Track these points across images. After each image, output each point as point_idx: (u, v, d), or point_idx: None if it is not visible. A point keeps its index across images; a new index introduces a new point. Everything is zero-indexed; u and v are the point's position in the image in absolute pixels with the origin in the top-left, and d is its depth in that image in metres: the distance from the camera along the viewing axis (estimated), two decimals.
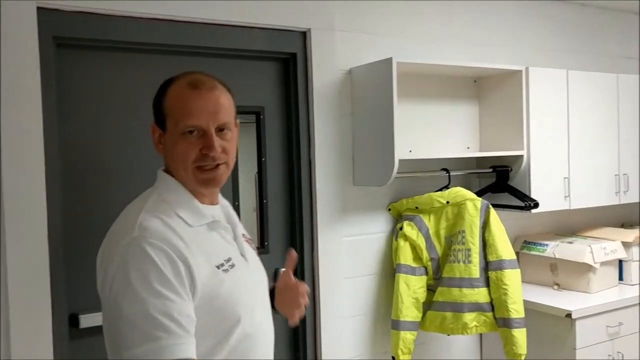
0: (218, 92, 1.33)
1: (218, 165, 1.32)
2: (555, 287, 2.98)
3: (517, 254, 3.14)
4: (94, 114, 2.16)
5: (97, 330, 2.06)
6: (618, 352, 2.76)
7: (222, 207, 1.45)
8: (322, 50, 2.54)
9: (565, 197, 2.93)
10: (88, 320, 2.07)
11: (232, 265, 1.31)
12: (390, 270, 2.72)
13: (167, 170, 1.36)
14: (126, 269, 1.16)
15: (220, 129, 1.31)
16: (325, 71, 2.55)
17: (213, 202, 1.40)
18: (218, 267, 1.27)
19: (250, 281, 1.38)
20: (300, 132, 2.52)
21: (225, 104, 1.33)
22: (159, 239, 1.20)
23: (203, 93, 1.30)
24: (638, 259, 3.07)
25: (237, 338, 1.28)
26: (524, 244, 3.13)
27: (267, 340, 1.41)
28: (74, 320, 2.08)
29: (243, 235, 1.47)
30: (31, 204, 1.96)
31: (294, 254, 1.59)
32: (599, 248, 2.89)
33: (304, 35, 2.52)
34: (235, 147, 1.38)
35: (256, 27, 2.40)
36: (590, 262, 2.84)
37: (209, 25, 2.30)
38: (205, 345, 1.24)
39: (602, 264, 2.90)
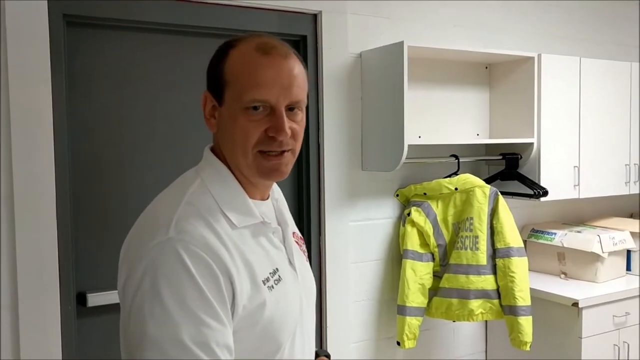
0: (292, 61, 1.06)
1: (284, 152, 1.06)
2: (563, 276, 2.97)
3: (525, 242, 3.12)
4: (104, 93, 2.15)
5: (104, 309, 2.10)
6: (624, 342, 2.76)
7: (273, 200, 1.20)
8: (332, 33, 2.51)
9: (575, 186, 2.91)
10: (96, 299, 2.09)
11: (279, 280, 1.07)
12: (397, 255, 2.71)
13: (216, 149, 1.12)
14: (155, 278, 0.93)
15: (290, 108, 1.06)
16: (336, 54, 2.53)
17: (264, 197, 1.15)
18: (264, 283, 1.03)
19: (296, 298, 1.13)
20: (310, 115, 2.50)
21: (299, 76, 1.07)
22: (200, 245, 0.96)
23: (275, 61, 1.04)
24: None
25: None
26: (531, 233, 3.11)
27: (309, 352, 1.18)
28: (81, 299, 2.10)
29: (294, 234, 1.22)
30: (40, 183, 1.96)
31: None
32: (608, 238, 2.87)
33: (315, 18, 2.50)
34: (303, 132, 1.11)
35: (267, 9, 2.38)
36: (599, 251, 2.83)
37: (220, 6, 2.28)
38: None
39: (610, 253, 2.89)
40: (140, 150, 2.20)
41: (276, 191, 1.24)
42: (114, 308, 2.12)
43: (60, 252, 2.00)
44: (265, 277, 1.04)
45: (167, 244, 0.95)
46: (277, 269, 1.08)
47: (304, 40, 2.49)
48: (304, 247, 1.27)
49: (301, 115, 1.10)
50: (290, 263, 1.14)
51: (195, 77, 2.26)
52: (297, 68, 1.07)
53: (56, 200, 1.99)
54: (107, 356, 2.11)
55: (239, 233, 1.04)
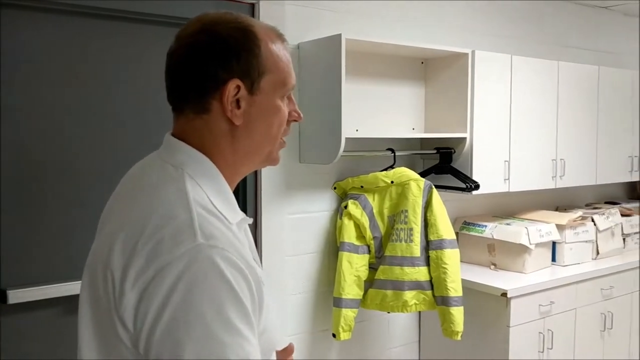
0: None
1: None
2: (493, 267, 3.07)
3: (457, 234, 3.20)
4: (38, 83, 2.04)
5: (26, 307, 2.00)
6: (548, 329, 2.88)
7: None
8: (270, 23, 2.47)
9: (505, 180, 3.00)
10: (17, 295, 1.98)
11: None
12: (333, 248, 2.72)
13: (190, 144, 1.00)
14: (192, 293, 0.81)
15: None
16: None
17: None
18: (263, 284, 0.94)
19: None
20: None
21: None
22: (232, 251, 0.86)
23: (287, 48, 1.05)
24: (570, 241, 3.19)
25: None
26: (463, 225, 3.20)
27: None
28: (1, 296, 1.99)
29: None
30: None
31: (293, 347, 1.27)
32: (535, 230, 2.99)
33: (252, 7, 2.46)
34: None
35: None
36: (526, 243, 2.94)
37: None
38: None
39: (537, 245, 3.00)
40: (73, 141, 2.09)
41: None
42: (37, 305, 2.04)
43: None
44: (262, 278, 0.95)
45: (200, 252, 0.83)
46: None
47: None
48: None
49: None
50: (254, 258, 1.06)
51: (131, 63, 2.18)
52: None
53: None
54: (29, 355, 2.01)
55: (233, 230, 0.95)
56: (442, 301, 2.57)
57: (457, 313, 2.55)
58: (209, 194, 0.94)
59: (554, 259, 3.19)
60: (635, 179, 3.80)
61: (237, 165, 1.02)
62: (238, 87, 0.97)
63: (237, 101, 0.97)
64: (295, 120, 1.06)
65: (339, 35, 2.36)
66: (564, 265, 3.16)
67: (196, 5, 2.30)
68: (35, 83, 2.04)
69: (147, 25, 2.24)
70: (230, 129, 0.99)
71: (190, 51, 0.98)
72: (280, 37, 1.03)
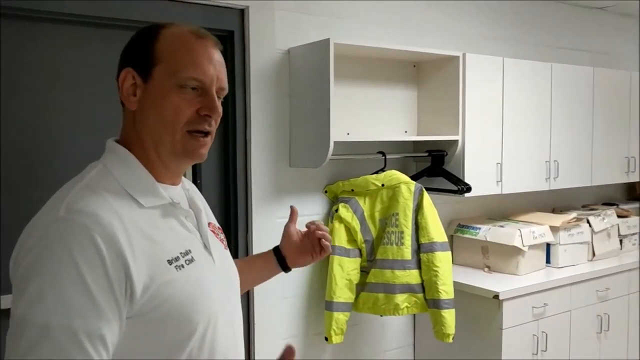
0: (219, 51, 1.12)
1: (207, 134, 1.09)
2: (486, 269, 3.07)
3: (451, 237, 3.22)
4: (37, 90, 2.09)
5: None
6: (542, 331, 2.88)
7: (184, 189, 1.19)
8: (260, 29, 2.50)
9: (498, 182, 3.00)
10: (7, 301, 2.00)
11: (190, 260, 1.05)
12: None
13: (122, 141, 1.10)
14: (36, 259, 0.91)
15: (217, 94, 1.10)
16: (264, 50, 2.51)
17: (174, 182, 1.14)
18: (170, 263, 1.00)
19: (213, 280, 1.10)
20: (237, 112, 2.48)
21: (224, 66, 1.12)
22: (91, 223, 0.93)
23: (209, 46, 1.09)
24: (564, 242, 3.18)
25: (194, 352, 1.03)
26: (457, 227, 3.20)
27: (237, 351, 1.16)
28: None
29: (210, 224, 1.21)
30: None
31: (296, 208, 1.52)
32: (528, 232, 2.99)
33: (242, 13, 2.48)
34: None
35: (193, 3, 2.34)
36: (520, 245, 2.93)
37: (148, 0, 2.23)
38: None
39: (531, 247, 3.00)
40: (68, 147, 2.13)
41: (187, 182, 1.24)
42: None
43: None
44: (173, 257, 1.02)
45: (55, 224, 0.93)
46: (189, 250, 1.06)
47: (230, 35, 2.47)
48: (221, 235, 1.26)
49: (220, 103, 1.12)
50: (205, 247, 1.13)
51: None
52: (222, 58, 1.12)
53: None
54: None
55: (146, 213, 1.03)
56: (434, 304, 2.58)
57: (449, 315, 2.56)
58: (121, 181, 1.04)
59: (548, 261, 3.19)
60: (632, 179, 3.79)
61: (150, 153, 1.08)
62: (133, 75, 1.07)
63: (135, 89, 1.07)
64: (207, 115, 1.07)
65: (327, 40, 2.37)
66: (559, 267, 3.16)
67: (186, 10, 2.32)
68: (35, 89, 2.08)
69: (132, 31, 2.25)
70: (133, 115, 1.09)
71: None
72: (197, 35, 1.09)
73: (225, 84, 1.11)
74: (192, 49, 1.07)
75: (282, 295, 2.63)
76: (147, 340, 0.98)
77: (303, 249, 1.48)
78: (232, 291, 1.19)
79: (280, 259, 1.49)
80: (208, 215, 1.23)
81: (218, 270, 1.14)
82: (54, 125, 2.12)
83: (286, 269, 1.50)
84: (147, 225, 1.01)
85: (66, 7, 2.07)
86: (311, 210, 2.71)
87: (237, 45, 2.47)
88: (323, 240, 1.46)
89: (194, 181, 2.46)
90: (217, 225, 1.27)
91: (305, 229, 1.49)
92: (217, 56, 1.10)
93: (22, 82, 2.06)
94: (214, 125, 1.10)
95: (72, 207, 0.95)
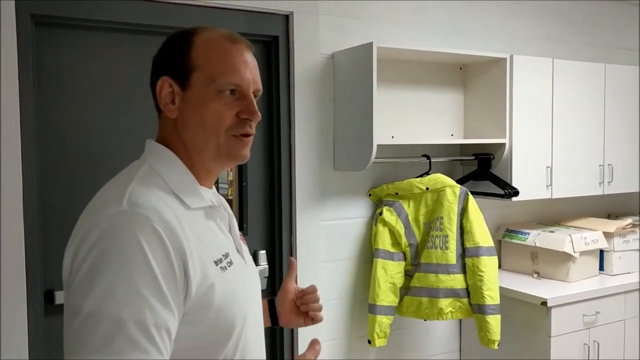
0: (252, 53, 1.13)
1: (249, 136, 1.10)
2: (535, 275, 3.00)
3: (499, 242, 3.16)
4: (72, 93, 2.17)
5: None
6: (594, 341, 2.78)
7: (215, 194, 1.20)
8: (304, 34, 2.53)
9: (547, 186, 2.93)
10: (61, 297, 2.10)
11: (230, 263, 1.07)
12: (368, 255, 2.73)
13: (162, 142, 1.12)
14: (104, 252, 0.91)
15: (254, 96, 1.11)
16: (308, 55, 2.55)
17: (210, 186, 1.16)
18: (216, 264, 1.03)
19: (246, 283, 1.14)
20: (281, 116, 2.52)
21: (258, 68, 1.13)
22: (155, 219, 0.94)
23: (244, 49, 1.10)
24: (619, 249, 3.07)
25: (229, 352, 1.05)
26: (506, 232, 3.14)
27: (262, 351, 1.19)
28: (49, 297, 2.11)
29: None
30: (7, 181, 1.98)
31: (294, 261, 1.47)
32: (580, 238, 2.90)
33: (286, 19, 2.52)
34: None
35: (238, 9, 2.40)
36: (570, 251, 2.85)
37: (191, 7, 2.30)
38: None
39: (582, 253, 2.91)
40: (107, 148, 2.21)
41: (215, 190, 1.24)
42: None
43: (27, 250, 2.02)
44: (217, 258, 1.04)
45: (120, 217, 0.93)
46: (228, 253, 1.09)
47: (275, 40, 2.51)
48: (244, 241, 1.28)
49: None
50: (238, 251, 1.16)
51: None
52: (255, 61, 1.13)
53: (23, 198, 2.00)
54: None
55: (192, 214, 1.04)
56: (479, 309, 2.54)
57: (494, 321, 2.51)
58: (168, 182, 1.05)
59: (601, 268, 3.08)
60: None
61: (194, 157, 1.10)
62: (170, 84, 1.08)
63: (174, 97, 1.08)
64: (247, 119, 1.08)
65: (370, 44, 2.38)
66: (613, 275, 3.05)
67: (231, 17, 2.38)
68: (71, 93, 2.17)
69: None
70: (173, 122, 1.10)
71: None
72: (230, 39, 1.10)
73: (260, 85, 1.12)
74: (228, 54, 1.08)
75: (325, 298, 2.64)
76: (190, 339, 0.99)
77: (298, 310, 1.42)
78: (258, 292, 1.22)
79: (273, 314, 1.42)
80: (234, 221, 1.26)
81: (248, 272, 1.17)
82: (92, 126, 2.21)
83: (275, 324, 1.43)
84: (196, 225, 1.03)
85: (104, 14, 2.15)
86: (355, 214, 2.72)
87: (281, 50, 2.51)
88: (311, 312, 1.41)
89: (240, 184, 2.51)
90: (240, 233, 1.30)
91: (300, 291, 1.43)
92: (251, 59, 1.11)
93: (58, 87, 2.14)
94: (253, 127, 1.11)
95: (134, 201, 0.96)
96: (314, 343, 1.23)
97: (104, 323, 0.87)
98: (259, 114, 1.10)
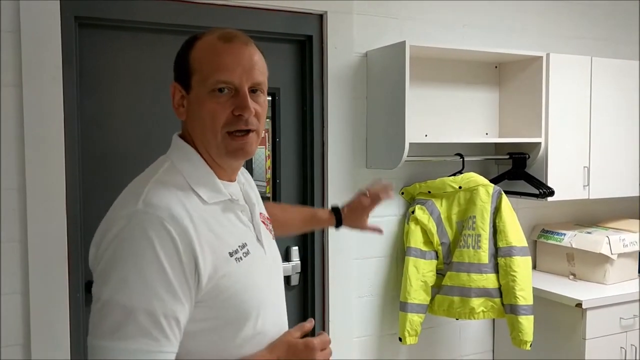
0: (252, 47, 1.16)
1: (249, 132, 1.14)
2: (572, 277, 2.95)
3: (535, 242, 3.12)
4: (114, 93, 2.26)
5: None
6: (631, 344, 2.73)
7: (239, 183, 1.27)
8: (338, 33, 2.56)
9: (585, 186, 2.88)
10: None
11: (247, 253, 1.14)
12: (401, 253, 2.74)
13: (184, 137, 1.20)
14: (119, 248, 1.01)
15: (253, 90, 1.14)
16: (341, 54, 2.57)
17: (231, 179, 1.22)
18: (231, 255, 1.10)
19: (264, 271, 1.20)
20: (315, 114, 2.55)
21: (259, 61, 1.16)
22: (166, 217, 1.02)
23: (236, 47, 1.14)
24: None
25: (245, 337, 1.12)
26: (541, 233, 3.10)
27: (279, 335, 1.23)
28: (90, 287, 2.18)
29: (260, 214, 1.29)
30: (51, 175, 2.07)
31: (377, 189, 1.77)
32: (617, 239, 2.84)
33: (320, 18, 2.55)
34: (266, 115, 1.19)
35: (273, 10, 2.44)
36: (607, 253, 2.80)
37: (228, 7, 2.35)
38: (206, 345, 1.09)
39: (620, 255, 2.86)
40: (148, 144, 2.29)
41: (243, 174, 1.33)
42: None
43: (69, 240, 2.11)
44: (233, 250, 1.11)
45: (134, 216, 1.03)
46: (245, 243, 1.15)
47: (309, 40, 2.54)
48: (270, 226, 1.35)
49: (263, 98, 1.17)
50: (258, 240, 1.22)
51: None
52: (257, 55, 1.17)
53: (66, 192, 2.09)
54: None
55: (209, 209, 1.11)
56: (511, 309, 2.52)
57: (526, 322, 2.49)
58: (188, 177, 1.13)
59: None
60: None
61: (205, 154, 1.17)
62: (179, 89, 1.17)
63: (183, 101, 1.17)
64: (240, 115, 1.12)
65: (403, 42, 2.39)
66: None
67: (266, 17, 2.42)
68: (111, 91, 2.25)
69: None
70: (186, 123, 1.19)
71: None
72: (224, 38, 1.14)
73: (259, 78, 1.15)
74: (217, 54, 1.12)
75: (357, 295, 2.67)
76: (205, 325, 1.08)
77: (364, 210, 1.74)
78: (278, 279, 1.29)
79: (338, 215, 1.73)
80: (259, 205, 1.32)
81: (267, 260, 1.23)
82: (131, 122, 2.29)
83: (339, 224, 1.73)
84: (211, 220, 1.10)
85: (146, 16, 2.22)
86: (388, 212, 2.73)
87: (315, 50, 2.54)
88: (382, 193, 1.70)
89: (273, 180, 2.56)
90: (267, 215, 1.36)
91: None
92: (247, 54, 1.14)
93: (99, 85, 2.22)
94: (254, 122, 1.14)
95: (148, 201, 1.04)
96: (307, 322, 1.28)
97: (117, 311, 0.98)
98: (252, 109, 1.12)
